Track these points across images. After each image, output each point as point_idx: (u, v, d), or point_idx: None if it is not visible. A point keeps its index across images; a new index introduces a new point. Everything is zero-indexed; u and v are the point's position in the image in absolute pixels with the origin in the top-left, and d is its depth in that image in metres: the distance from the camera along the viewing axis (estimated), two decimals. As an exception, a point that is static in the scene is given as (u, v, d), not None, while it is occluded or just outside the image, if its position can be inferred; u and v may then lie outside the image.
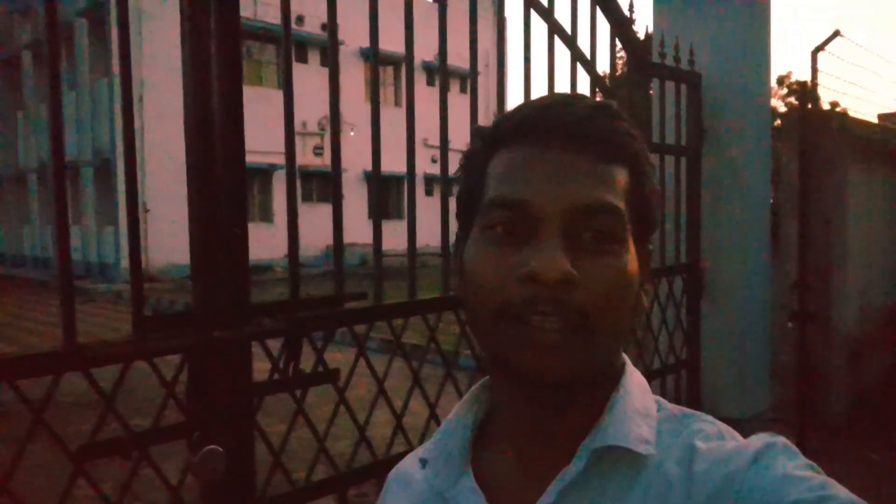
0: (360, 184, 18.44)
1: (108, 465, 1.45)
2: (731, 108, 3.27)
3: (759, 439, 0.53)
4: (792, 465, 0.50)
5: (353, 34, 13.96)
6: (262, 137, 6.60)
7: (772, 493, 0.48)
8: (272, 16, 15.47)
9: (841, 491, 0.47)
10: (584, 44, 2.57)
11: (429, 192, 18.88)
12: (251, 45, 18.02)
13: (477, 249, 0.56)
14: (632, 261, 0.55)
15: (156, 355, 1.51)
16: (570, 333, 0.51)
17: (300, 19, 17.00)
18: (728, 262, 3.39)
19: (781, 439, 0.53)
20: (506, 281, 0.52)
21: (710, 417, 0.58)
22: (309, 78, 13.88)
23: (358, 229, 10.16)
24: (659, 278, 3.08)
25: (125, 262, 14.90)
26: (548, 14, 2.45)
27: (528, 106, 0.58)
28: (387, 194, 18.84)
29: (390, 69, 20.91)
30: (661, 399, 0.61)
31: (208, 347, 1.56)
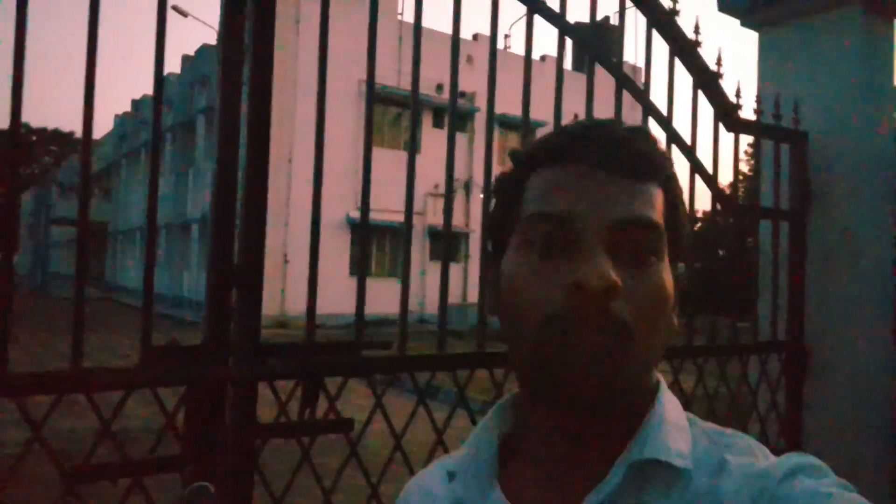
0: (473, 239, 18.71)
1: (105, 490, 1.49)
2: (842, 167, 2.93)
3: (790, 458, 0.54)
4: (825, 483, 0.51)
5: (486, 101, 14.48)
6: (401, 197, 6.93)
7: None
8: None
9: None
10: (661, 99, 2.44)
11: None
12: (393, 110, 19.09)
13: (517, 262, 0.58)
14: (668, 277, 0.57)
15: (159, 385, 1.55)
16: (612, 343, 0.52)
17: (440, 87, 17.85)
18: (837, 341, 2.97)
19: (813, 458, 0.54)
20: (550, 291, 0.54)
21: (741, 434, 0.59)
22: (437, 140, 14.48)
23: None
24: (749, 355, 2.76)
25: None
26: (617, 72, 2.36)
27: (566, 129, 0.60)
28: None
29: (513, 134, 21.30)
30: (692, 415, 0.62)
31: (212, 382, 1.57)
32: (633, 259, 0.55)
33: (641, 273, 0.55)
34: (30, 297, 25.61)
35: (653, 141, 0.60)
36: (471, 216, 19.92)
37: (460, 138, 19.55)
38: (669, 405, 0.60)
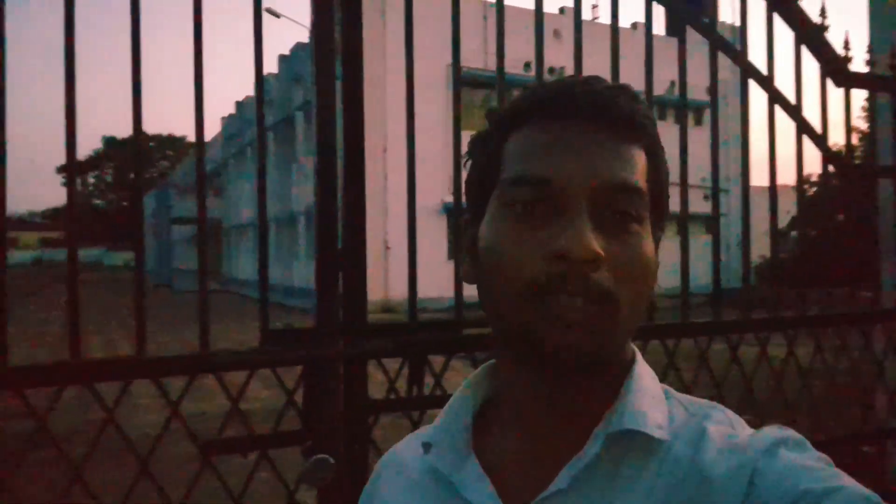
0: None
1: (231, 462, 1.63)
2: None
3: (771, 431, 0.54)
4: (804, 456, 0.51)
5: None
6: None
7: (783, 481, 0.48)
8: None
9: (851, 482, 0.48)
10: (760, 59, 2.33)
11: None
12: (481, 92, 19.01)
13: (497, 228, 0.56)
14: (650, 243, 0.55)
15: (277, 365, 1.67)
16: (594, 312, 0.51)
17: (527, 65, 17.58)
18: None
19: (793, 432, 0.54)
20: (531, 258, 0.53)
21: (718, 405, 0.58)
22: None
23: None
24: (873, 324, 2.60)
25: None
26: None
27: (546, 86, 0.58)
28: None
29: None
30: (668, 388, 0.61)
31: (325, 361, 1.68)
32: (616, 225, 0.53)
33: (624, 240, 0.53)
34: (156, 290, 27.65)
35: (637, 100, 0.57)
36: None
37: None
38: (646, 376, 0.59)
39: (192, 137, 1.72)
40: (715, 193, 2.30)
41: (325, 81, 1.70)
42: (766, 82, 2.32)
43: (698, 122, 19.54)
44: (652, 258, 0.55)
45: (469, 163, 0.63)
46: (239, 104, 29.57)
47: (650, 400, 0.57)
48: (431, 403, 1.82)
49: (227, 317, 14.58)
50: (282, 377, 1.69)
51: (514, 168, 0.56)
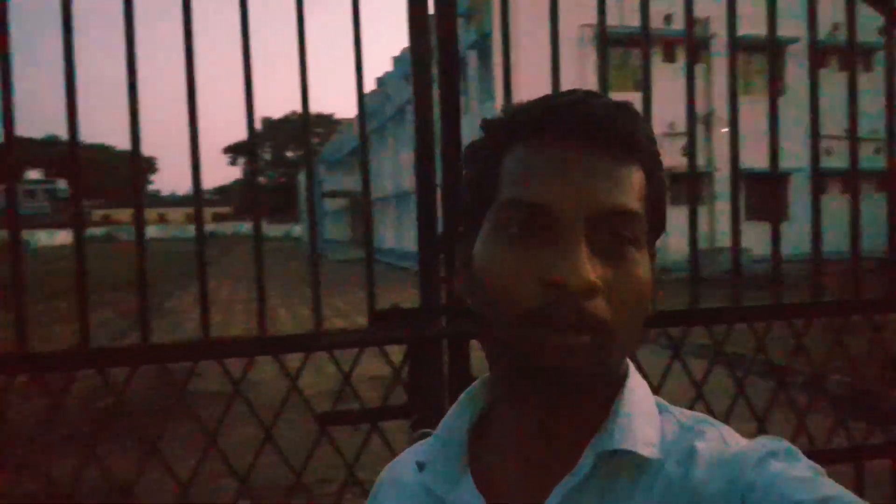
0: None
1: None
2: None
3: (761, 443, 0.53)
4: (796, 466, 0.50)
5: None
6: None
7: (775, 493, 0.48)
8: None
9: (844, 493, 0.47)
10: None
11: (822, 189, 16.51)
12: (618, 51, 18.18)
13: (491, 250, 0.55)
14: (647, 266, 0.55)
15: (385, 343, 1.78)
16: (588, 340, 0.51)
17: (668, 18, 16.56)
18: None
19: (784, 443, 0.53)
20: (526, 285, 0.52)
21: (711, 419, 0.58)
22: (678, 76, 13.49)
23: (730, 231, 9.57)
24: None
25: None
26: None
27: (544, 100, 0.57)
28: (767, 193, 17.13)
29: (759, 55, 18.91)
30: (662, 400, 0.60)
31: (428, 340, 1.77)
32: (613, 249, 0.53)
33: (620, 266, 0.53)
34: (308, 260, 29.70)
35: (637, 118, 0.55)
36: (714, 154, 18.39)
37: (696, 70, 18.01)
38: (639, 392, 0.58)
39: (339, 115, 1.85)
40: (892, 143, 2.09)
41: (421, 83, 1.76)
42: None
43: (867, 67, 17.44)
44: (648, 283, 0.54)
45: (464, 172, 0.62)
46: (379, 79, 30.51)
47: (642, 416, 0.56)
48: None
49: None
50: (389, 354, 1.79)
51: (510, 190, 0.55)
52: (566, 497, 0.54)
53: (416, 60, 1.75)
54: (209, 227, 67.76)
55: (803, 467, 0.51)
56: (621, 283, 0.52)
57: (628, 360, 0.60)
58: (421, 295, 1.80)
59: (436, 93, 1.78)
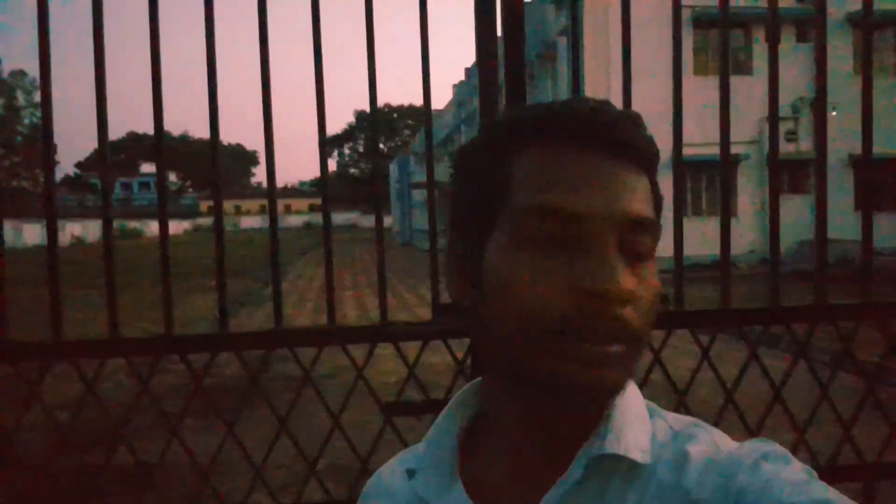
0: (844, 170, 15.99)
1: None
2: None
3: (753, 446, 0.53)
4: (788, 469, 0.50)
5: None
6: (737, 126, 6.51)
7: (769, 497, 0.48)
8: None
9: (836, 495, 0.47)
10: None
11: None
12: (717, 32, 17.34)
13: (514, 260, 0.53)
14: (657, 275, 0.56)
15: (447, 337, 1.80)
16: (622, 349, 0.52)
17: (773, -5, 15.61)
18: None
19: (776, 446, 0.53)
20: (561, 295, 0.51)
21: (702, 423, 0.58)
22: (783, 58, 12.73)
23: (841, 223, 9.00)
24: None
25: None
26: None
27: (554, 104, 0.56)
28: (881, 180, 15.86)
29: (886, 33, 17.44)
30: (653, 405, 0.60)
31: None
32: (635, 259, 0.53)
33: (643, 275, 0.53)
34: (400, 250, 30.22)
35: (645, 128, 0.55)
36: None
37: (799, 52, 16.91)
38: (631, 396, 0.58)
39: (433, 105, 1.90)
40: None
41: (486, 82, 1.76)
42: None
43: None
44: (660, 291, 0.55)
45: (460, 174, 0.60)
46: (468, 70, 30.55)
47: (633, 421, 0.56)
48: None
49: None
50: (452, 347, 1.81)
51: (535, 196, 0.53)
52: (559, 501, 0.54)
53: (481, 59, 1.74)
54: (306, 217, 70.48)
55: (796, 470, 0.50)
56: (645, 293, 0.53)
57: None
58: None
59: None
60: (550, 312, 0.51)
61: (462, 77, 31.60)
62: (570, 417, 0.56)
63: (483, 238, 0.56)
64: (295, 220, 68.75)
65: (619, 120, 0.54)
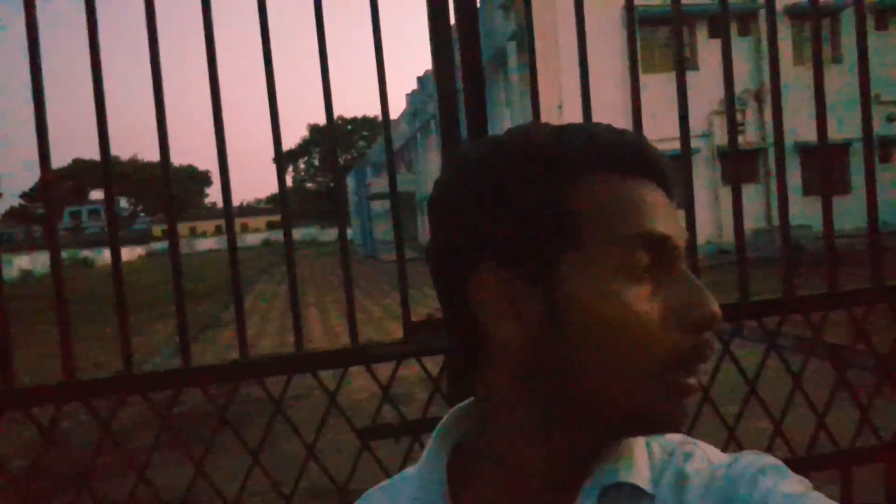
0: (791, 156, 16.51)
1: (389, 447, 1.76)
2: None
3: (748, 460, 0.53)
4: (784, 483, 0.51)
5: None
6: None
7: None
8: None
9: None
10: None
11: (884, 159, 15.75)
12: (663, 30, 17.71)
13: (611, 293, 0.51)
14: None
15: (423, 355, 1.75)
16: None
17: (712, -9, 16.06)
18: None
19: (770, 458, 0.54)
20: (665, 326, 0.51)
21: (690, 438, 0.58)
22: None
23: (790, 209, 9.24)
24: None
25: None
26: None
27: (606, 134, 0.54)
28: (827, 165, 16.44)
29: (825, 21, 18.10)
30: None
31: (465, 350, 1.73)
32: None
33: None
34: (362, 261, 30.02)
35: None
36: (766, 129, 17.74)
37: (743, 44, 17.40)
38: None
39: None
40: None
41: (443, 76, 1.72)
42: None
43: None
44: None
45: (486, 204, 0.54)
46: (420, 79, 30.59)
47: (637, 447, 0.56)
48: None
49: (426, 283, 15.51)
50: (427, 365, 1.77)
51: (634, 226, 0.51)
52: None
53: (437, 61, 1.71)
54: (265, 234, 69.51)
55: (793, 483, 0.51)
56: None
57: None
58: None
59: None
60: (660, 345, 0.51)
61: (415, 86, 31.60)
62: (589, 444, 0.55)
63: (545, 273, 0.53)
64: (253, 239, 67.75)
65: (658, 152, 0.56)
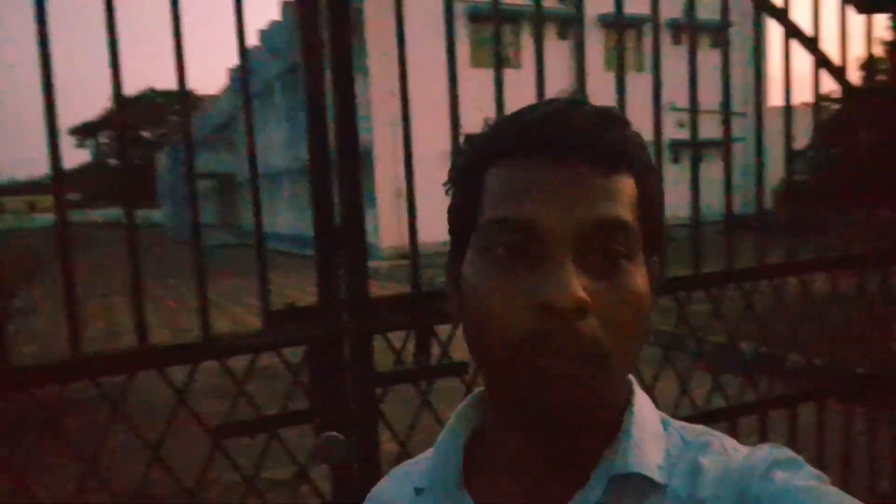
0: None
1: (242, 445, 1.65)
2: None
3: (764, 452, 0.53)
4: (799, 475, 0.51)
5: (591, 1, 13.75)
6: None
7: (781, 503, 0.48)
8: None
9: (848, 499, 0.48)
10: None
11: (675, 160, 17.79)
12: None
13: (477, 273, 0.53)
14: (643, 279, 0.53)
15: (281, 346, 1.66)
16: (583, 364, 0.49)
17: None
18: None
19: (787, 451, 0.53)
20: (513, 311, 0.50)
21: (711, 430, 0.58)
22: (545, 53, 13.86)
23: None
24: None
25: (381, 242, 17.29)
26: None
27: (526, 115, 0.55)
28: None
29: (631, 33, 19.96)
30: (665, 416, 0.60)
31: (330, 339, 1.67)
32: (604, 264, 0.51)
33: (613, 280, 0.51)
34: (176, 245, 27.96)
35: (623, 125, 0.54)
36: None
37: (563, 47, 18.64)
38: (645, 410, 0.58)
39: (201, 90, 1.66)
40: (727, 118, 2.23)
41: (309, 37, 1.63)
42: (782, 15, 2.18)
43: (713, 44, 18.90)
44: (644, 293, 0.53)
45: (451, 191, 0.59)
46: (263, 32, 28.74)
47: (650, 437, 0.56)
48: (439, 372, 1.81)
49: (246, 272, 14.85)
50: (287, 356, 1.68)
51: (493, 210, 0.53)
52: None
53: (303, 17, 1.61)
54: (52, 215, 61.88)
55: (807, 476, 0.51)
56: (614, 298, 0.50)
57: (631, 377, 0.59)
58: (319, 290, 1.69)
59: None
60: (506, 329, 0.50)
61: (236, 61, 29.79)
62: (577, 439, 0.55)
63: (463, 251, 0.57)
64: (46, 219, 60.26)
65: (584, 122, 0.52)
